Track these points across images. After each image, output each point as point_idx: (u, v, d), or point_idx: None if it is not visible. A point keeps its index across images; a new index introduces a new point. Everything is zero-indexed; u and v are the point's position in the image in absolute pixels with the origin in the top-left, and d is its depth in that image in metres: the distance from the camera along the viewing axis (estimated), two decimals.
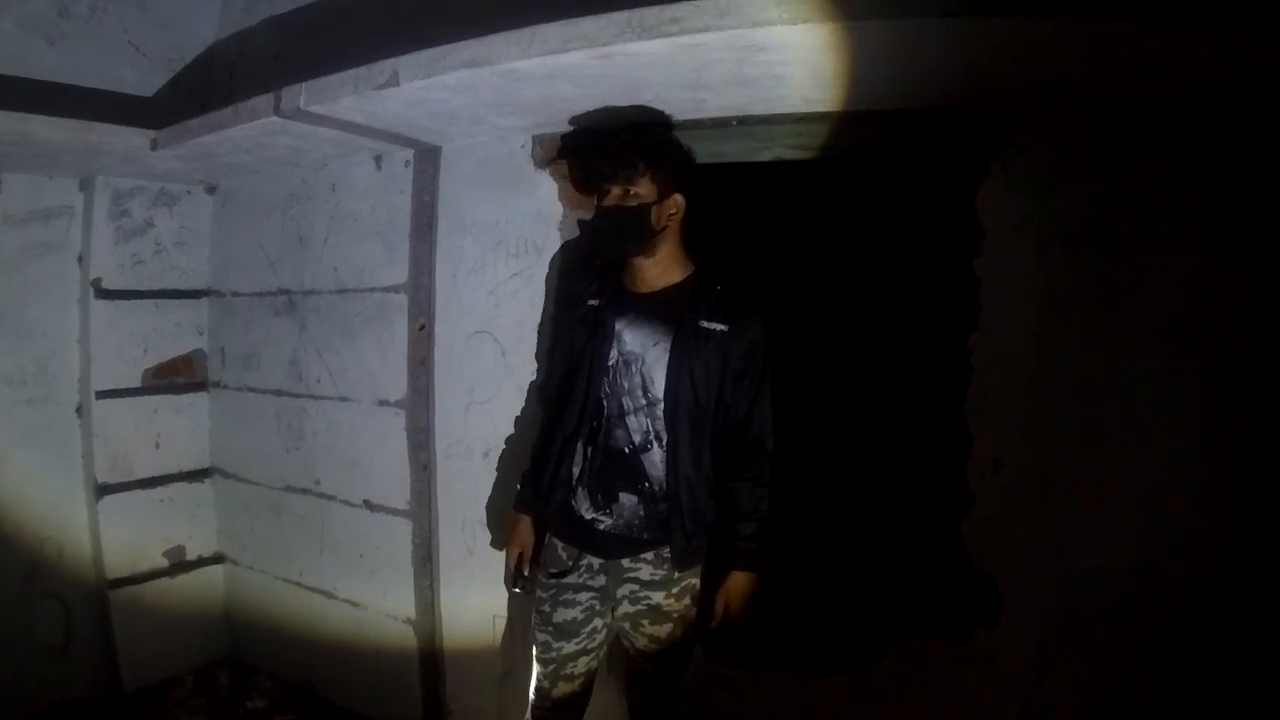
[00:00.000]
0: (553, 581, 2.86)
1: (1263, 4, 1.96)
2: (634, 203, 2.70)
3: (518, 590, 3.10)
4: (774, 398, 2.78)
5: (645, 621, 2.82)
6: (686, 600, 2.86)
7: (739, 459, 2.80)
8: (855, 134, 3.19)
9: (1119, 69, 2.43)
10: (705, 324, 2.73)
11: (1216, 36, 2.09)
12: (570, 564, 2.84)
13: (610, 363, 2.76)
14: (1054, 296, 2.86)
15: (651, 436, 2.76)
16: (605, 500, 2.78)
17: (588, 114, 3.11)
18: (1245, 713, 2.74)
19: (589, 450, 2.80)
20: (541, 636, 2.85)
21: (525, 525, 3.06)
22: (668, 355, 2.73)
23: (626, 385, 2.76)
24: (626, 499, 2.77)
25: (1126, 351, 2.80)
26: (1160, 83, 2.52)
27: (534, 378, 3.50)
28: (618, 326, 2.77)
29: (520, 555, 3.06)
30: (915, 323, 3.27)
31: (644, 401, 2.75)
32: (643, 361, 2.74)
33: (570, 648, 2.83)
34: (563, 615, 2.82)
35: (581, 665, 2.86)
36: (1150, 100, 2.68)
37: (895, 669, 3.09)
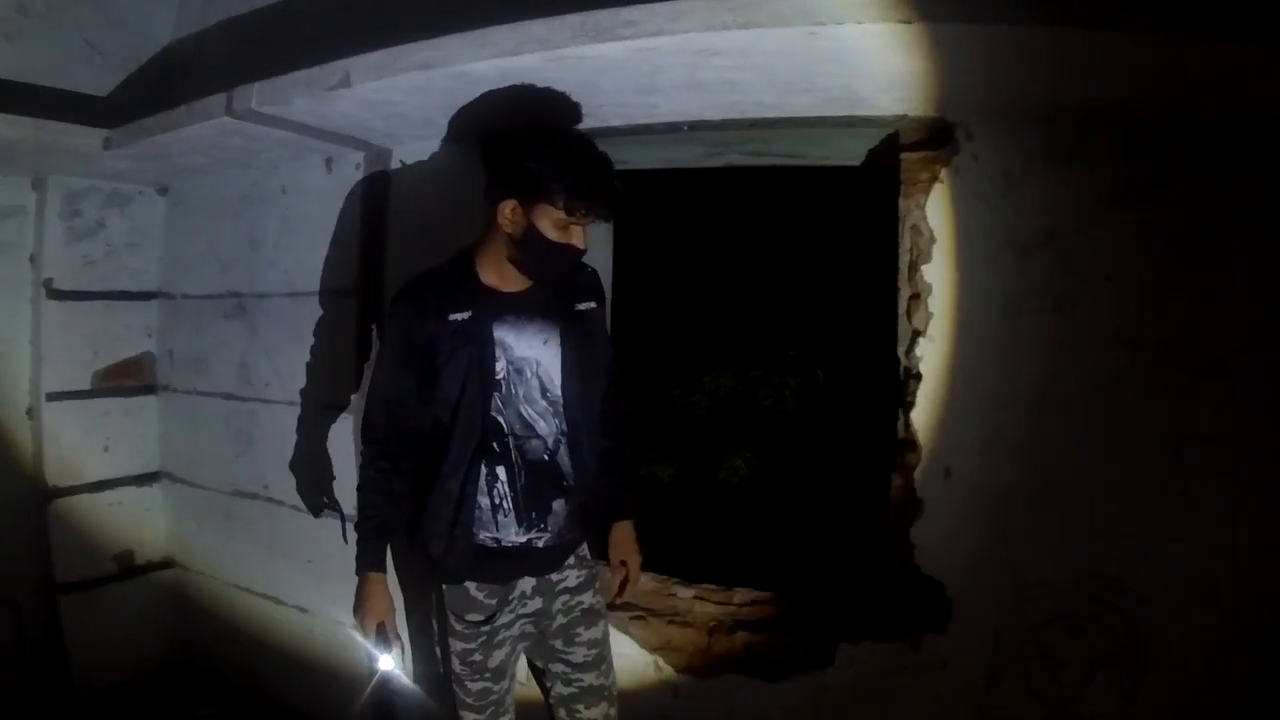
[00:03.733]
0: (483, 630, 2.69)
1: (1216, 14, 1.96)
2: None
3: (392, 659, 2.76)
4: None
5: (581, 628, 2.81)
6: (600, 593, 2.91)
7: (610, 418, 2.90)
8: (808, 140, 3.20)
9: (1071, 78, 2.42)
10: (580, 306, 2.73)
11: (1168, 46, 2.09)
12: (495, 604, 2.71)
13: (500, 376, 2.61)
14: (1005, 304, 2.87)
15: (560, 435, 2.69)
16: (540, 515, 2.67)
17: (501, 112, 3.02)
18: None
19: (506, 471, 2.64)
20: (478, 685, 2.73)
21: (382, 588, 2.74)
22: (560, 350, 2.68)
23: (522, 393, 2.64)
24: (558, 505, 2.70)
25: (1076, 360, 2.80)
26: (1112, 93, 2.52)
27: None
28: (498, 335, 2.61)
29: (381, 626, 2.72)
30: (868, 330, 3.28)
31: (545, 404, 2.67)
32: (538, 364, 2.66)
33: (507, 683, 2.79)
34: (498, 658, 2.73)
35: (513, 694, 2.85)
36: (1101, 110, 2.68)
37: (845, 675, 3.08)
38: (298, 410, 4.05)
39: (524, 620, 2.76)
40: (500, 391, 2.61)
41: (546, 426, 2.67)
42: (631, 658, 3.32)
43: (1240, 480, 2.67)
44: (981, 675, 2.94)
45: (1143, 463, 2.75)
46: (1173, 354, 2.71)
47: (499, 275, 2.64)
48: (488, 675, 2.72)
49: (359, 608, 2.72)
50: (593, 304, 2.78)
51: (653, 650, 3.32)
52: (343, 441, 3.86)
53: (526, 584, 2.73)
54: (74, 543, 4.36)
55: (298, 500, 4.07)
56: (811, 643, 3.14)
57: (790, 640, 3.18)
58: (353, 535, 2.89)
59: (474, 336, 2.57)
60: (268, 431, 4.19)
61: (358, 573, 2.73)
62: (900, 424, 3.00)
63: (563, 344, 2.68)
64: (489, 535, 2.65)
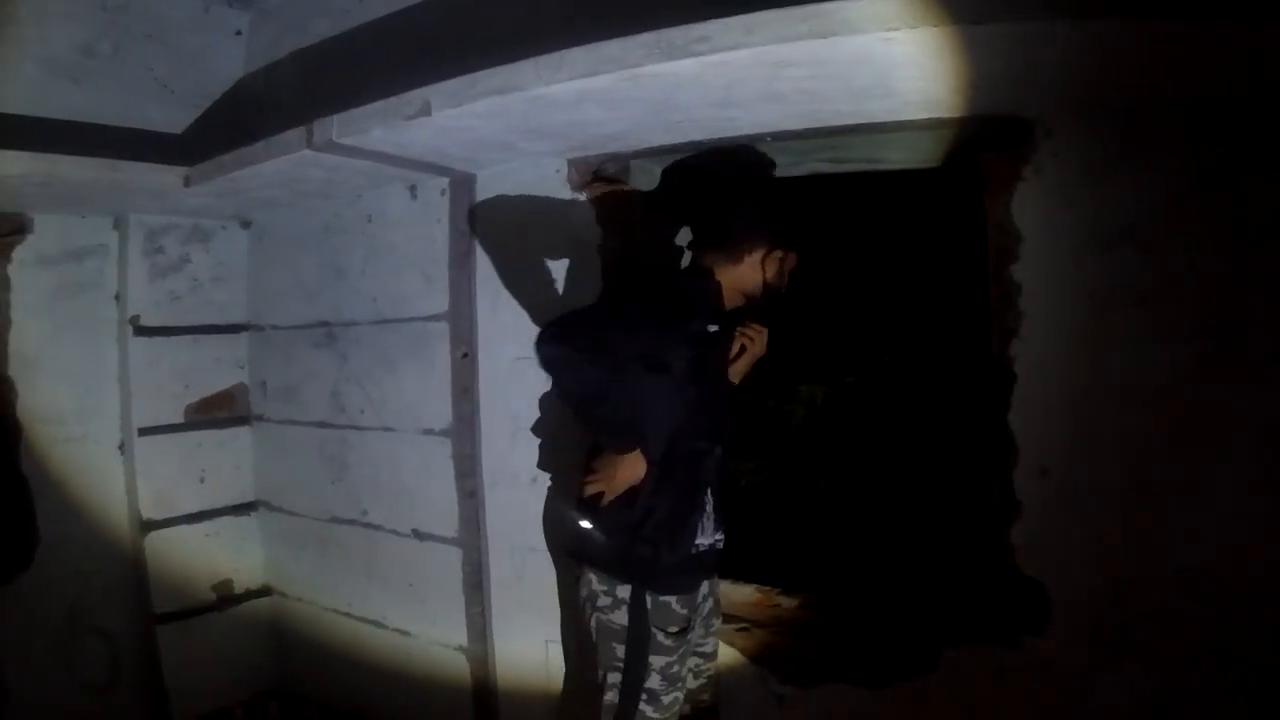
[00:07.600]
0: (682, 642, 2.74)
1: None
2: None
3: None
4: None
5: (715, 619, 3.01)
6: None
7: None
8: (889, 145, 3.21)
9: (1144, 69, 2.41)
10: None
11: (1241, 33, 2.08)
12: (688, 614, 2.76)
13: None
14: (1089, 300, 2.84)
15: None
16: (723, 516, 2.83)
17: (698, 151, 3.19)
18: None
19: (715, 475, 2.81)
20: (670, 696, 2.75)
21: (640, 461, 2.73)
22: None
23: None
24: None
25: (1163, 353, 2.75)
26: (1186, 82, 2.51)
27: None
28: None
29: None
30: (958, 332, 3.28)
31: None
32: None
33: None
34: (685, 667, 2.81)
35: None
36: (1176, 101, 2.64)
37: (947, 679, 3.07)
38: (391, 436, 4.10)
39: (700, 621, 2.87)
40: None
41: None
42: (736, 669, 3.32)
43: None
44: (1081, 674, 2.91)
45: (1234, 454, 2.70)
46: (1259, 343, 2.67)
47: (730, 299, 2.85)
48: (679, 685, 2.79)
49: (618, 478, 2.73)
50: None
51: (757, 661, 3.32)
52: (439, 466, 3.91)
53: (705, 586, 2.86)
54: (171, 573, 4.42)
55: (397, 524, 4.12)
56: (913, 648, 3.14)
57: (892, 646, 3.19)
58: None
59: (719, 347, 2.80)
60: (362, 458, 4.24)
61: (626, 452, 2.70)
62: (997, 425, 2.99)
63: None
64: (704, 541, 2.78)
